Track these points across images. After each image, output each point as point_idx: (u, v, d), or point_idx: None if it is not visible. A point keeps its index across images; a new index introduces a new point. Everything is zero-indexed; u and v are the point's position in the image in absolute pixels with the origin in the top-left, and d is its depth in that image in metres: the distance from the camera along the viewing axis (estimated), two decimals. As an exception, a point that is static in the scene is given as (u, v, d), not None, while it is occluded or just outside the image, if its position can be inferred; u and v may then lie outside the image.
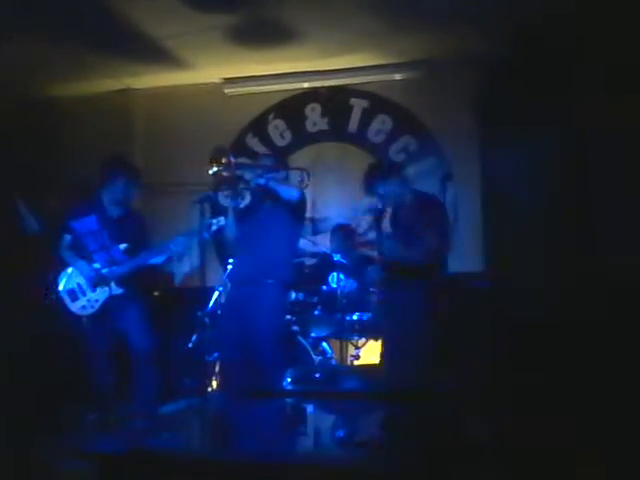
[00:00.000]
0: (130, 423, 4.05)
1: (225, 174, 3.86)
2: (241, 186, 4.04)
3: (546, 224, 5.04)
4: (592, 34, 4.76)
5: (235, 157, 3.92)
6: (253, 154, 6.07)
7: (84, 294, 4.30)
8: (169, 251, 4.34)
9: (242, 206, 4.17)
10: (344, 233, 5.49)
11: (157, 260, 4.39)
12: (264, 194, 4.07)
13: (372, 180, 4.12)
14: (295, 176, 4.31)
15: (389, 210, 4.11)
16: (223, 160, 3.84)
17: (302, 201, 4.11)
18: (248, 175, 4.01)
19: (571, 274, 4.80)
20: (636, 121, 4.70)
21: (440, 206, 4.09)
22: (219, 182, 3.98)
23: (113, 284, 4.26)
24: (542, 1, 4.57)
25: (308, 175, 4.27)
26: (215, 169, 3.85)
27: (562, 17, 4.67)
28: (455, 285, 4.34)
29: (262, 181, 3.99)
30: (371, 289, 4.96)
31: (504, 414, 3.54)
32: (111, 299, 4.25)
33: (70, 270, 4.34)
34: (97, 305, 4.27)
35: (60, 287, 4.32)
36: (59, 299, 4.29)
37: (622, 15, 4.52)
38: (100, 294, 4.27)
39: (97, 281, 4.27)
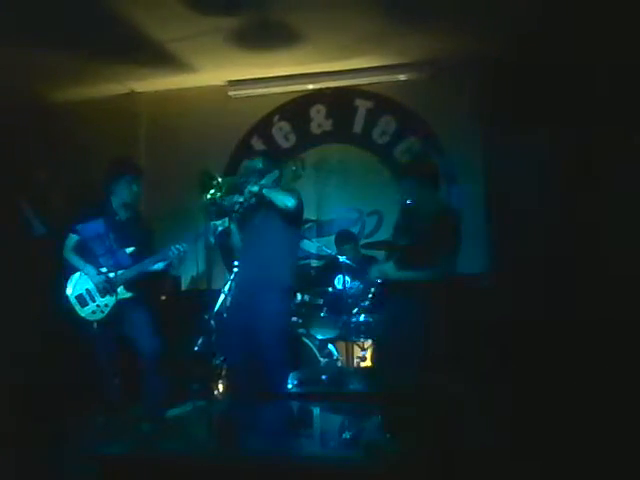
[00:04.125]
0: (137, 426, 4.06)
1: (219, 194, 3.85)
2: (239, 195, 4.04)
3: (549, 224, 5.03)
4: (594, 35, 4.75)
5: (221, 175, 3.89)
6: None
7: (93, 300, 4.30)
8: (170, 257, 4.32)
9: (243, 212, 4.16)
10: (349, 235, 5.50)
11: (158, 266, 4.37)
12: (260, 201, 4.06)
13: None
14: (289, 169, 4.26)
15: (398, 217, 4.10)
16: (213, 182, 3.84)
17: (298, 204, 4.04)
18: (243, 184, 4.01)
19: (573, 274, 4.79)
20: (637, 121, 4.70)
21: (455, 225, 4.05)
22: (216, 208, 3.95)
23: (121, 288, 4.27)
24: (544, 2, 4.56)
25: (302, 164, 4.23)
26: (209, 195, 3.84)
27: (564, 17, 4.66)
28: (459, 286, 4.32)
29: (256, 189, 3.98)
30: (374, 290, 4.96)
31: (504, 414, 3.55)
32: (119, 303, 4.26)
33: (78, 275, 4.35)
34: (107, 310, 4.28)
35: (69, 292, 4.33)
36: (68, 304, 4.30)
37: (623, 17, 4.51)
38: (109, 299, 4.28)
39: (106, 286, 4.27)
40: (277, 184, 4.19)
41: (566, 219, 5.00)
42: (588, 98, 4.86)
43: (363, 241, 5.61)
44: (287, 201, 3.95)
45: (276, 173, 4.20)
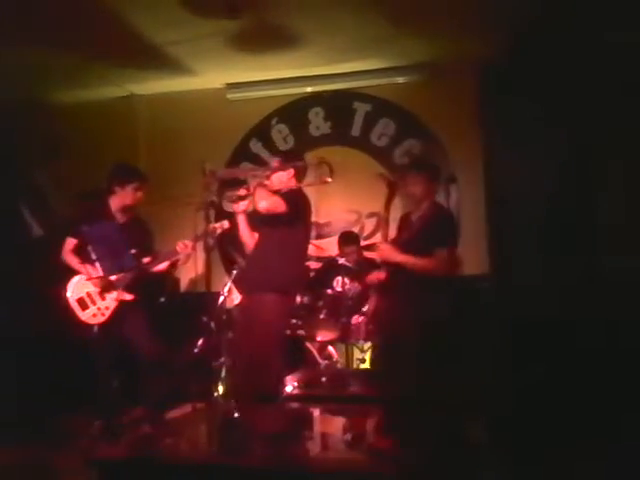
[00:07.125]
0: (136, 428, 4.06)
1: (217, 187, 3.88)
2: (244, 192, 4.01)
3: (549, 226, 5.04)
4: (593, 35, 4.76)
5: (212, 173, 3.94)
6: (257, 158, 6.11)
7: (94, 303, 4.28)
8: (174, 257, 4.33)
9: (246, 212, 4.13)
10: (352, 237, 5.50)
11: (162, 266, 4.39)
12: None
13: None
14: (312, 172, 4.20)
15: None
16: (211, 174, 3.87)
17: (296, 206, 3.90)
18: (248, 179, 3.99)
19: (572, 275, 4.80)
20: (637, 122, 4.70)
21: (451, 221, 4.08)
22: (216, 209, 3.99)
23: (121, 291, 4.26)
24: (542, 2, 4.57)
25: (330, 168, 3.99)
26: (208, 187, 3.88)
27: (562, 18, 4.68)
28: (459, 287, 4.33)
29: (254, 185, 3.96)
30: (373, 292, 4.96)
31: (504, 413, 3.55)
32: (120, 306, 4.25)
33: (78, 278, 4.33)
34: (108, 313, 4.27)
35: (69, 295, 4.31)
36: (68, 307, 4.28)
37: (621, 15, 4.52)
38: (110, 302, 4.27)
39: (106, 289, 4.26)
40: (294, 182, 4.05)
41: (565, 220, 5.01)
42: (587, 98, 4.87)
43: (362, 243, 5.62)
44: (260, 203, 3.78)
45: (291, 172, 4.04)
